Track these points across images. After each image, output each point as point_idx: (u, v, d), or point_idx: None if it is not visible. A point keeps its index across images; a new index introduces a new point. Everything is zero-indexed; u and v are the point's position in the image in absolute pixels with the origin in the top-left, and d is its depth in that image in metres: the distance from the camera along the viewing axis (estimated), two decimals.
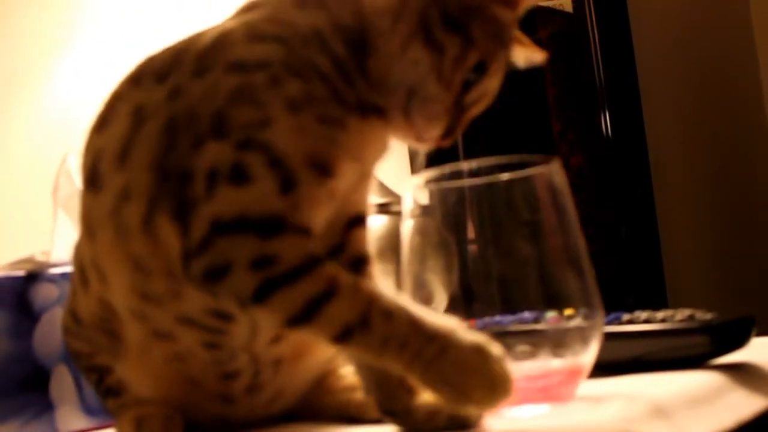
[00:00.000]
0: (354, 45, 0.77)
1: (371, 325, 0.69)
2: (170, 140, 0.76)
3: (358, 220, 0.82)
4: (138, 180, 0.78)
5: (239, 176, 0.72)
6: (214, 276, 0.72)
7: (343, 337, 0.70)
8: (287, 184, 0.72)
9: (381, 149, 0.80)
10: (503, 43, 0.81)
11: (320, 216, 0.76)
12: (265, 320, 0.74)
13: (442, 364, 0.68)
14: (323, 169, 0.73)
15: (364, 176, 0.81)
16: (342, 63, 0.76)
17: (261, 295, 0.71)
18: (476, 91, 0.80)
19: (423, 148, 0.81)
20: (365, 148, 0.77)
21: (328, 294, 0.70)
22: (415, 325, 0.69)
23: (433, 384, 0.69)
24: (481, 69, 0.79)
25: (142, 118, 0.80)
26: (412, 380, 0.71)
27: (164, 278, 0.78)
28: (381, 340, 0.69)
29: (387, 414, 0.78)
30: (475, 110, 0.82)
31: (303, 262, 0.71)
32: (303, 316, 0.70)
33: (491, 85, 0.81)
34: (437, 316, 0.74)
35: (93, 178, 0.82)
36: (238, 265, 0.71)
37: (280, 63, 0.74)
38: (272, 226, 0.71)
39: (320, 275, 0.71)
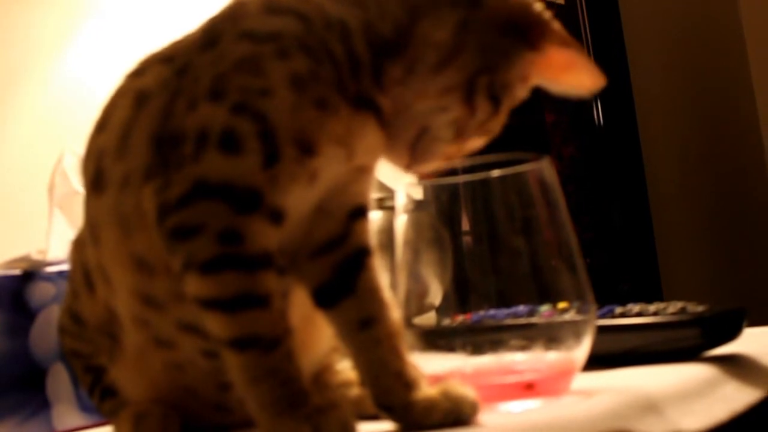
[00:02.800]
0: (378, 48, 0.77)
1: (271, 353, 0.71)
2: (169, 109, 0.76)
3: (359, 212, 0.82)
4: (136, 160, 0.77)
5: (229, 144, 0.71)
6: (182, 234, 0.72)
7: (241, 344, 0.71)
8: (271, 158, 0.71)
9: (375, 144, 0.79)
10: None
11: (299, 198, 0.75)
12: (195, 290, 0.73)
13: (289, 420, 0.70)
14: (307, 147, 0.73)
15: (363, 169, 0.80)
16: (356, 58, 0.76)
17: (210, 268, 0.71)
18: (468, 146, 0.83)
19: (403, 173, 0.83)
20: (354, 138, 0.76)
21: (262, 300, 0.72)
22: (299, 378, 0.72)
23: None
24: (485, 132, 0.83)
25: (145, 99, 0.79)
26: (258, 425, 0.72)
27: (166, 278, 0.77)
28: (267, 370, 0.71)
29: (383, 409, 0.78)
30: (456, 160, 0.84)
31: (261, 255, 0.72)
32: (228, 305, 0.71)
33: (477, 144, 0.84)
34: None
35: (96, 180, 0.81)
36: (208, 230, 0.71)
37: (294, 37, 0.74)
38: (249, 201, 0.71)
39: (268, 278, 0.72)
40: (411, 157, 0.81)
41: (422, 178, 0.83)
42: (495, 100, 0.80)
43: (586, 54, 0.83)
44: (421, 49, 0.78)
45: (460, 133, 0.80)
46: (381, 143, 0.79)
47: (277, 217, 0.73)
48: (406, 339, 0.80)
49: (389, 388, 0.77)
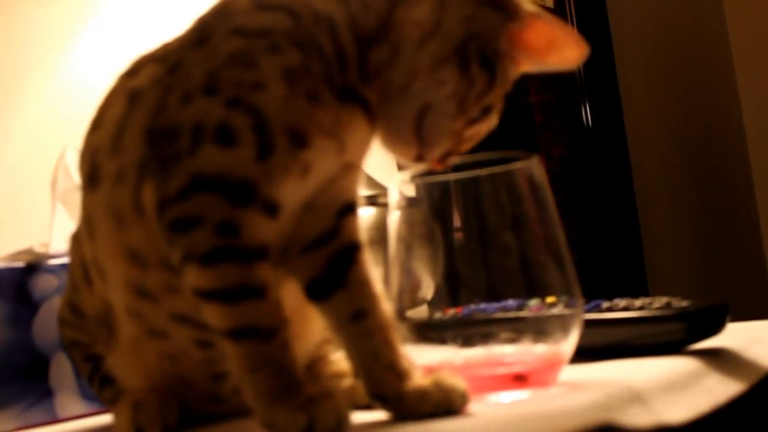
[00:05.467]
0: (363, 40, 0.78)
1: (267, 343, 0.73)
2: (162, 104, 0.77)
3: (348, 208, 0.82)
4: (130, 154, 0.79)
5: (225, 137, 0.73)
6: (181, 227, 0.73)
7: (239, 334, 0.73)
8: (265, 150, 0.73)
9: (363, 138, 0.80)
10: (506, 93, 0.85)
11: (293, 191, 0.76)
12: (194, 282, 0.74)
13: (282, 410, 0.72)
14: (299, 139, 0.74)
15: (349, 166, 0.81)
16: (343, 52, 0.77)
17: (209, 259, 0.73)
18: (475, 129, 0.83)
19: (413, 166, 0.83)
20: (344, 130, 0.77)
21: (259, 292, 0.73)
22: (294, 367, 0.74)
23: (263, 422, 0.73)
24: (486, 110, 0.83)
25: (137, 97, 0.81)
26: (254, 414, 0.73)
27: (159, 270, 0.78)
28: (264, 359, 0.73)
29: (376, 399, 0.78)
30: (467, 146, 0.84)
31: (258, 247, 0.74)
32: (226, 296, 0.73)
33: (486, 127, 0.84)
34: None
35: (92, 176, 0.83)
36: (206, 223, 0.72)
37: (284, 32, 0.75)
38: (244, 193, 0.73)
39: (265, 269, 0.74)
40: (418, 142, 0.80)
41: (435, 165, 0.82)
42: (490, 70, 0.81)
43: (564, 23, 0.83)
44: (403, 29, 0.78)
45: (462, 107, 0.80)
46: (369, 137, 0.80)
47: (272, 209, 0.74)
48: (398, 331, 0.81)
49: (382, 379, 0.78)
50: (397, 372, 0.78)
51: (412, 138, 0.81)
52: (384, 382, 0.78)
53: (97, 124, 0.84)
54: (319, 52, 0.76)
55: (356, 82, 0.78)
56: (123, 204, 0.79)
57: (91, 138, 0.84)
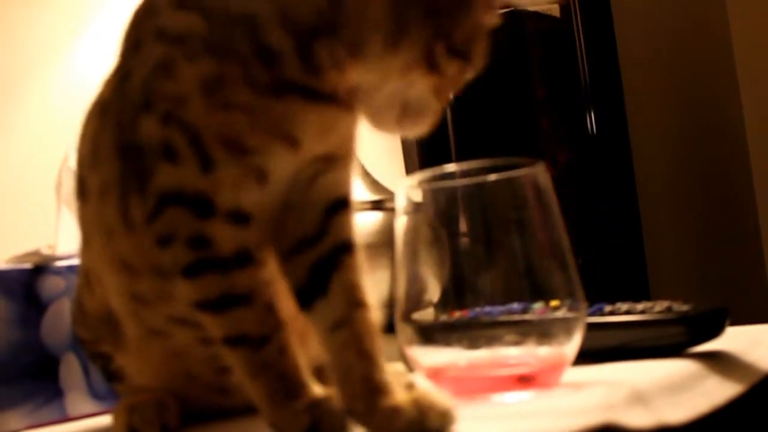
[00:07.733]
0: (303, 34, 0.73)
1: (262, 349, 0.72)
2: (120, 119, 0.77)
3: (338, 205, 0.79)
4: (109, 169, 0.79)
5: (170, 154, 0.72)
6: (162, 243, 0.73)
7: (232, 342, 0.73)
8: (206, 164, 0.72)
9: (321, 130, 0.76)
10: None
11: (257, 198, 0.75)
12: (183, 294, 0.74)
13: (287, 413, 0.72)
14: (237, 148, 0.72)
15: (329, 159, 0.78)
16: (270, 49, 0.72)
17: (191, 272, 0.73)
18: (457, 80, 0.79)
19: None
20: (289, 126, 0.74)
21: (244, 299, 0.72)
22: (295, 371, 0.73)
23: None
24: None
25: (106, 109, 0.81)
26: (260, 414, 0.73)
27: (150, 278, 0.79)
28: (261, 365, 0.72)
29: (348, 413, 0.73)
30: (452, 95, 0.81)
31: (235, 255, 0.73)
32: (213, 305, 0.73)
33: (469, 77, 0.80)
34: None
35: (80, 188, 0.84)
36: (178, 238, 0.72)
37: (199, 38, 0.72)
38: (203, 206, 0.72)
39: (247, 276, 0.73)
40: (404, 129, 0.79)
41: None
42: (462, 55, 0.76)
43: None
44: (362, 28, 0.72)
45: (440, 93, 0.77)
46: (332, 126, 0.77)
47: (239, 218, 0.73)
48: (382, 342, 0.77)
49: (354, 393, 0.73)
50: (371, 386, 0.72)
51: (399, 129, 0.79)
52: (356, 397, 0.73)
53: (82, 136, 0.85)
54: (235, 55, 0.72)
55: (298, 76, 0.73)
56: (110, 218, 0.79)
57: (79, 149, 0.86)
